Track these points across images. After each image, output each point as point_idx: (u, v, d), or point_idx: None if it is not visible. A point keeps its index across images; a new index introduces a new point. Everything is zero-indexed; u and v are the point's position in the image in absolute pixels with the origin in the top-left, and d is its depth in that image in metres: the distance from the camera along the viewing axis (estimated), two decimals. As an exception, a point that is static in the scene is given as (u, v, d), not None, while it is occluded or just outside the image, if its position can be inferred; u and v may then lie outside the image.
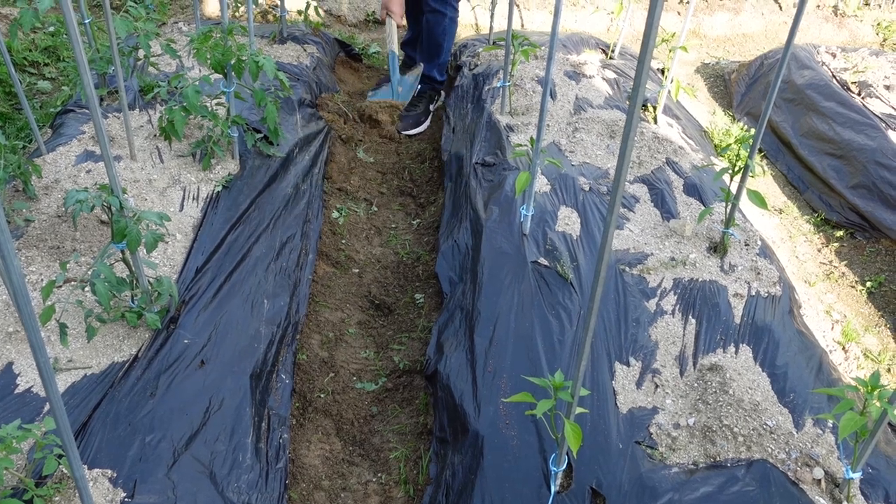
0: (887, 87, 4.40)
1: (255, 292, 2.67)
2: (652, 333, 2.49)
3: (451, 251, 3.10)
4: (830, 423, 2.17)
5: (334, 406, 2.61)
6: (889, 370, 3.00)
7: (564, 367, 2.34)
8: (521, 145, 3.13)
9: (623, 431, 2.14)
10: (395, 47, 4.44)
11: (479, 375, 2.37)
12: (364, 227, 3.60)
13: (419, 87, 4.57)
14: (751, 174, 2.67)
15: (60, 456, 1.79)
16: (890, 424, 2.23)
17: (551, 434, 1.98)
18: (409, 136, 4.42)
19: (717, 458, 2.06)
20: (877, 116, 4.05)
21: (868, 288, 3.42)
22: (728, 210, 2.78)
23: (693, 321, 2.54)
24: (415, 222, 3.68)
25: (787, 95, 4.55)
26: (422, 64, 4.54)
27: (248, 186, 3.13)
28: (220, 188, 3.06)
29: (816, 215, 3.94)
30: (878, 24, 6.17)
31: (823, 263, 3.63)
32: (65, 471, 1.85)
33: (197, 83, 2.96)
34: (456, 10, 4.43)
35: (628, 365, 2.38)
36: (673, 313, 2.57)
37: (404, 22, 4.56)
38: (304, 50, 4.46)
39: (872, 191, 3.73)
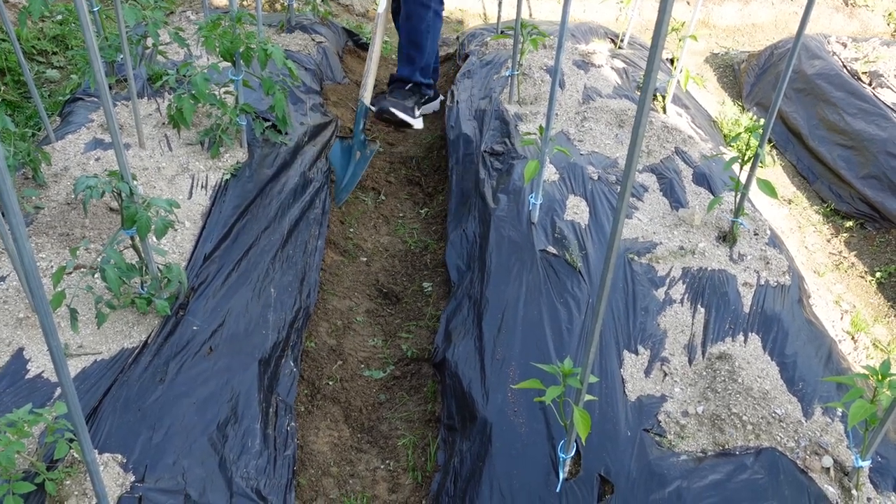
0: (898, 77, 4.37)
1: (263, 280, 2.68)
2: (661, 322, 2.48)
3: (459, 240, 3.09)
4: (839, 411, 2.17)
5: (342, 393, 2.62)
6: (898, 360, 2.99)
7: (573, 355, 2.34)
8: (529, 134, 3.12)
9: (631, 419, 2.14)
10: (368, 95, 3.67)
11: (487, 363, 2.37)
12: (372, 216, 3.60)
13: (408, 86, 4.15)
14: (760, 164, 2.66)
15: (71, 440, 1.80)
16: (899, 414, 2.22)
17: (560, 421, 1.98)
18: (398, 118, 4.04)
19: (726, 446, 2.05)
20: (888, 106, 4.03)
21: (878, 278, 3.40)
22: (737, 199, 2.77)
23: (702, 310, 2.53)
24: (422, 211, 3.67)
25: (798, 85, 4.52)
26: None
27: (256, 174, 3.13)
28: (228, 176, 3.06)
29: (826, 206, 3.92)
30: (890, 15, 6.12)
31: (833, 254, 3.61)
32: (76, 455, 1.86)
33: (205, 71, 2.96)
34: (441, 2, 3.92)
35: (637, 353, 2.37)
36: (682, 302, 2.56)
37: None
38: (312, 39, 4.45)
39: (883, 181, 3.71)
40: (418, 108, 4.23)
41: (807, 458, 2.01)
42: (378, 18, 3.71)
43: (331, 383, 2.64)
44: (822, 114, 4.23)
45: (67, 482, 1.83)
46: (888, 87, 4.26)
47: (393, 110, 3.97)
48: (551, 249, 2.73)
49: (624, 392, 2.24)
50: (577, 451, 2.04)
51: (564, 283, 2.60)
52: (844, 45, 4.79)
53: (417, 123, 4.07)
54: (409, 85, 4.11)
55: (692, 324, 2.48)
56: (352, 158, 3.57)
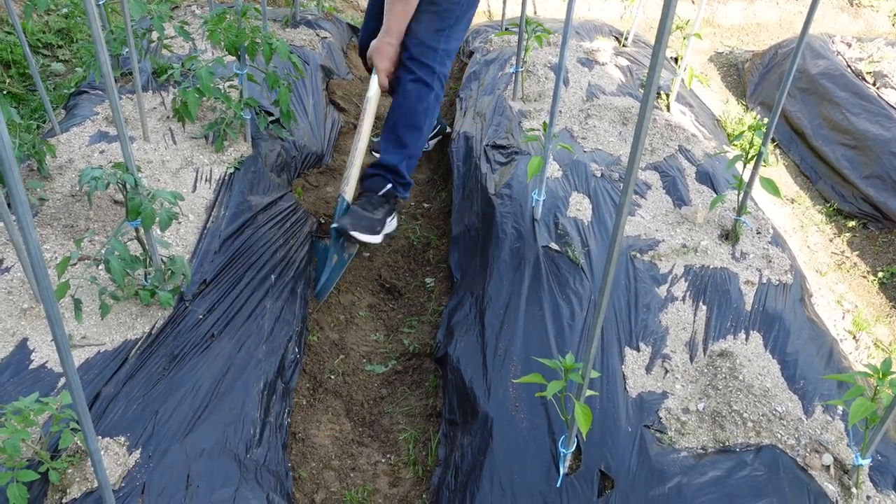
0: (903, 78, 4.37)
1: (266, 272, 2.68)
2: (662, 319, 2.49)
3: (462, 235, 3.10)
4: (840, 410, 2.17)
5: (344, 387, 2.63)
6: (899, 360, 2.99)
7: (574, 351, 2.35)
8: (533, 130, 3.12)
9: (632, 415, 2.15)
10: (351, 190, 3.08)
11: (489, 358, 2.38)
12: (375, 212, 3.60)
13: (388, 186, 3.11)
14: (763, 163, 2.66)
15: (76, 430, 1.81)
16: (900, 413, 2.23)
17: (561, 416, 1.99)
18: (358, 240, 3.03)
19: (727, 443, 2.06)
20: (892, 107, 4.02)
21: (880, 278, 3.41)
22: (740, 198, 2.78)
23: (704, 307, 2.53)
24: (425, 206, 3.68)
25: (802, 85, 4.52)
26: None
27: (260, 168, 3.14)
28: (232, 170, 3.07)
29: (829, 205, 3.93)
30: (895, 15, 6.11)
31: (835, 253, 3.62)
32: (80, 444, 1.87)
33: (210, 65, 2.96)
34: (443, 86, 3.17)
35: (638, 350, 2.38)
36: (684, 299, 2.57)
37: (386, 85, 3.17)
38: (317, 34, 4.46)
39: (886, 181, 3.71)
40: (389, 218, 3.18)
41: (807, 456, 2.02)
42: (367, 103, 3.14)
43: (333, 377, 2.65)
44: (826, 113, 4.23)
45: (70, 471, 1.84)
46: (892, 88, 4.25)
47: (353, 234, 2.97)
48: (554, 246, 2.74)
49: (625, 388, 2.24)
50: (578, 447, 2.04)
51: (567, 279, 2.61)
52: (849, 45, 4.78)
53: (377, 239, 3.10)
54: (388, 184, 3.14)
55: (694, 321, 2.49)
56: (328, 261, 3.00)
